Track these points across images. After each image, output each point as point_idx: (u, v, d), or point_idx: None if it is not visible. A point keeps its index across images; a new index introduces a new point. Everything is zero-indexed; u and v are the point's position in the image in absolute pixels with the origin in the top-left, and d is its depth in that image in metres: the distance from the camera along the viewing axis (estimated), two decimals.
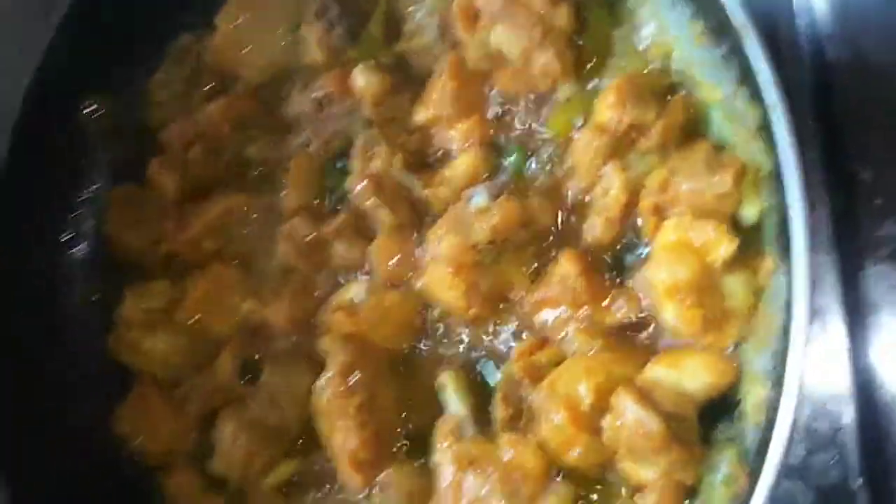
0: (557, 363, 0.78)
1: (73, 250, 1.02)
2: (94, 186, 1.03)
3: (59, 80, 0.96)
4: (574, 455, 0.74)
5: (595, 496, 0.77)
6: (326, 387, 0.84)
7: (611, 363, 0.75)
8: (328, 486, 0.89)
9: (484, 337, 0.84)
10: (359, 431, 0.82)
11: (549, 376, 0.76)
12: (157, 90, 1.02)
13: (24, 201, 0.96)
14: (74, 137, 1.01)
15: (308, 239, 0.92)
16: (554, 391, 0.75)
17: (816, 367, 0.81)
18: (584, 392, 0.73)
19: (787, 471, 0.81)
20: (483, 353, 0.84)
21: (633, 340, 0.77)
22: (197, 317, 0.95)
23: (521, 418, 0.78)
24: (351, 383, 0.84)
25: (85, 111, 1.01)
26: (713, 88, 0.74)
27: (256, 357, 0.94)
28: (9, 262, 0.95)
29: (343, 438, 0.83)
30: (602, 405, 0.73)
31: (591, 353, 0.76)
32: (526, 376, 0.78)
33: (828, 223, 0.73)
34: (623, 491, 0.76)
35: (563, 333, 0.78)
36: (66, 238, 1.02)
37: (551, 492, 0.76)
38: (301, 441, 0.91)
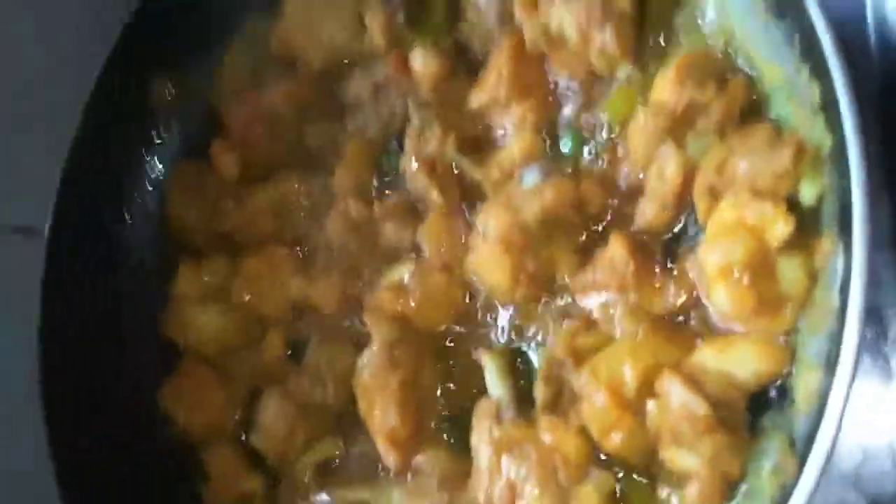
0: (602, 347, 0.76)
1: (135, 225, 1.06)
2: (160, 165, 1.07)
3: (134, 58, 1.00)
4: (616, 440, 0.71)
5: (634, 487, 0.74)
6: (369, 363, 0.85)
7: (657, 347, 0.72)
8: (366, 467, 0.89)
9: (528, 319, 0.83)
10: (399, 409, 0.83)
11: (593, 359, 0.74)
12: (225, 72, 1.05)
13: (93, 174, 1.00)
14: (144, 115, 1.05)
15: (359, 220, 0.92)
16: (597, 374, 0.73)
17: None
18: (629, 376, 0.71)
19: (840, 479, 0.78)
20: (527, 335, 0.83)
21: (681, 326, 0.74)
22: (248, 296, 0.96)
23: (561, 401, 0.76)
24: (393, 360, 0.84)
25: (156, 90, 1.05)
26: (775, 68, 0.72)
27: (300, 337, 0.95)
28: (72, 234, 0.98)
29: (383, 415, 0.83)
30: (646, 390, 0.71)
31: (638, 337, 0.74)
32: (569, 358, 0.76)
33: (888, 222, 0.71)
34: (665, 483, 0.73)
35: (609, 317, 0.76)
36: (129, 212, 1.06)
37: (590, 479, 0.74)
38: (342, 421, 0.91)
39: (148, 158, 1.05)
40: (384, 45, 0.95)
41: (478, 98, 0.89)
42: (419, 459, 0.84)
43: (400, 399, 0.82)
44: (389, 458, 0.83)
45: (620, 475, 0.74)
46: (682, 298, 0.74)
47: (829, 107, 0.65)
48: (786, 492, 0.61)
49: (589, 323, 0.78)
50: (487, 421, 0.80)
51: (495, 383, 0.82)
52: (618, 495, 0.74)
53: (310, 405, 0.91)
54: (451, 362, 0.86)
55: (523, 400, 0.81)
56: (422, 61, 0.91)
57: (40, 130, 1.00)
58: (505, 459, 0.76)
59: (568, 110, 0.86)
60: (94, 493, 0.92)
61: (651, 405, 0.70)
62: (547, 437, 0.75)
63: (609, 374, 0.72)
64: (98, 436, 0.95)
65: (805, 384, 0.65)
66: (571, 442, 0.74)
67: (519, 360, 0.83)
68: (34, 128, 1.01)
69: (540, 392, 0.77)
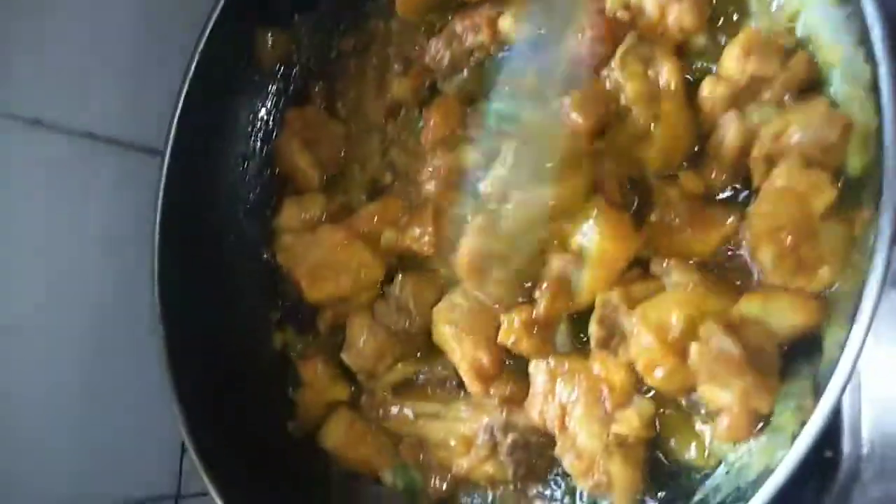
0: (653, 295, 0.83)
1: (243, 166, 1.17)
2: (267, 109, 1.17)
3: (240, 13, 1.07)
4: (658, 375, 0.79)
5: (672, 416, 0.83)
6: (460, 304, 0.94)
7: (703, 299, 0.80)
8: (436, 384, 1.00)
9: None
10: (489, 347, 0.91)
11: (644, 305, 0.82)
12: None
13: (201, 119, 1.09)
14: (250, 63, 1.13)
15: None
16: (646, 318, 0.80)
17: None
18: (675, 322, 0.79)
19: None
20: None
21: (727, 278, 0.82)
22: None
23: (612, 340, 0.84)
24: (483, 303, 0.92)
25: (258, 41, 1.13)
26: (834, 48, 0.77)
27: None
28: (180, 172, 1.07)
29: (473, 351, 0.92)
30: (689, 334, 0.78)
31: (687, 289, 0.81)
32: (622, 303, 0.83)
33: None
34: (698, 415, 0.82)
35: (663, 269, 0.84)
36: (238, 153, 1.17)
37: (634, 405, 0.83)
38: (419, 345, 1.02)
39: (257, 102, 1.15)
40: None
41: None
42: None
43: (492, 338, 0.91)
44: (473, 386, 0.92)
45: (663, 404, 0.83)
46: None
47: (875, 87, 0.71)
48: (803, 428, 0.69)
49: (643, 271, 0.86)
50: None
51: None
52: (657, 424, 0.84)
53: (397, 331, 1.01)
54: None
55: (579, 340, 0.90)
56: (509, 23, 0.97)
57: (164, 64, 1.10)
58: (559, 384, 0.86)
59: None
60: (198, 391, 1.04)
61: (693, 347, 0.78)
62: (597, 368, 0.84)
63: (657, 319, 0.80)
64: (207, 348, 1.08)
65: (834, 337, 0.73)
66: (618, 374, 0.83)
67: None
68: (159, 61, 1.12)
69: (594, 330, 0.85)
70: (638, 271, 0.86)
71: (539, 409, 0.87)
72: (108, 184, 1.11)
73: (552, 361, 0.87)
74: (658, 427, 0.84)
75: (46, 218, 1.04)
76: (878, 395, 0.87)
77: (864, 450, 0.88)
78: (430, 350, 1.00)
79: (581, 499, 0.91)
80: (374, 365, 1.02)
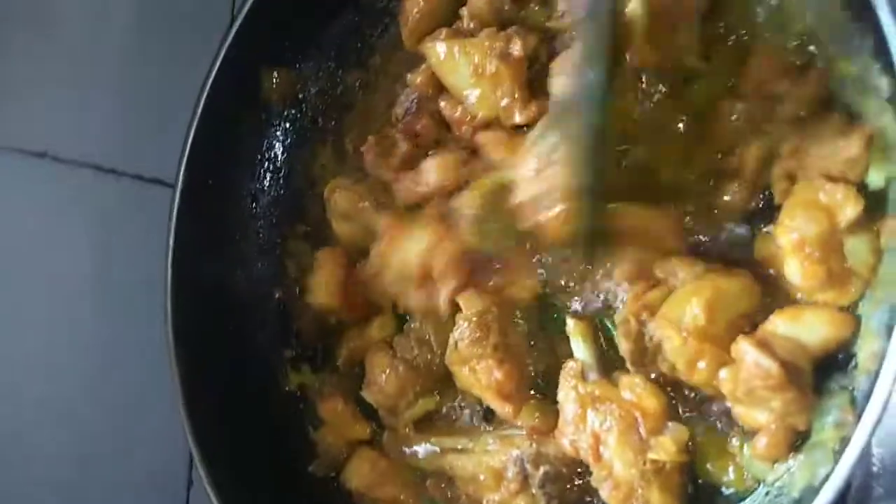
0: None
1: (252, 204, 1.15)
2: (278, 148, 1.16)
3: (246, 49, 1.06)
4: (702, 368, 0.79)
5: (709, 437, 0.83)
6: (461, 336, 0.92)
7: (715, 282, 0.80)
8: (460, 418, 0.99)
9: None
10: (499, 366, 0.90)
11: (662, 308, 0.82)
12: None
13: (211, 155, 1.07)
14: (258, 102, 1.12)
15: None
16: (669, 318, 0.81)
17: None
18: (697, 311, 0.78)
19: None
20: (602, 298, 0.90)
21: (732, 264, 0.83)
22: None
23: (646, 353, 0.83)
24: (483, 327, 0.92)
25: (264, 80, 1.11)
26: (848, 62, 0.78)
27: None
28: (190, 208, 1.05)
29: (486, 375, 0.91)
30: (715, 320, 0.78)
31: (697, 278, 0.81)
32: (641, 313, 0.84)
33: None
34: (736, 434, 0.82)
35: (669, 272, 0.84)
36: (248, 190, 1.15)
37: (668, 430, 0.82)
38: (440, 379, 1.00)
39: (266, 139, 1.14)
40: None
41: None
42: None
43: (498, 359, 0.90)
44: (505, 409, 0.91)
45: (697, 427, 0.83)
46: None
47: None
48: (845, 443, 0.69)
49: (655, 283, 0.85)
50: (574, 380, 0.88)
51: (580, 348, 0.89)
52: (690, 446, 0.83)
53: (417, 365, 0.99)
54: (536, 329, 0.94)
55: (606, 362, 0.89)
56: None
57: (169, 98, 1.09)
58: (590, 413, 0.85)
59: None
60: (215, 433, 1.01)
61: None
62: (627, 395, 0.84)
63: (679, 315, 0.80)
64: (221, 389, 1.06)
65: (868, 349, 0.73)
66: (650, 399, 0.82)
67: (601, 324, 0.91)
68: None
69: (623, 346, 0.84)
70: (646, 283, 0.86)
71: (571, 438, 0.86)
72: (116, 214, 1.11)
73: (582, 389, 0.86)
74: (694, 451, 0.83)
75: (54, 250, 1.04)
76: (887, 412, 0.87)
77: (875, 467, 0.87)
78: (452, 383, 0.98)
79: None
80: (396, 401, 1.00)
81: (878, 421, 0.66)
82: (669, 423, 0.82)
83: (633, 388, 0.84)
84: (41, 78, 1.02)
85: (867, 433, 0.66)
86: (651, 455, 0.81)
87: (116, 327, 1.10)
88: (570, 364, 0.90)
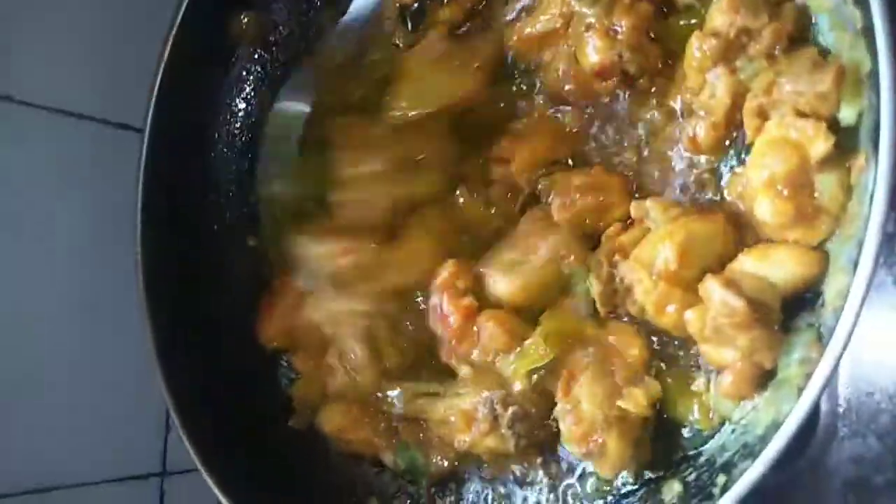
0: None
1: (224, 149, 1.14)
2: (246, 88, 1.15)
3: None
4: (671, 312, 0.79)
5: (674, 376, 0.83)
6: None
7: (688, 225, 0.79)
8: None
9: None
10: None
11: (635, 249, 0.82)
12: None
13: (180, 98, 1.06)
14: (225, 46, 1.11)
15: None
16: (641, 259, 0.81)
17: None
18: (670, 253, 0.78)
19: None
20: None
21: (708, 206, 0.83)
22: None
23: (617, 294, 0.84)
24: None
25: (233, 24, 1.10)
26: None
27: None
28: (160, 150, 1.04)
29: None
30: (687, 263, 0.78)
31: (672, 222, 0.81)
32: (614, 254, 0.84)
33: None
34: (702, 371, 0.82)
35: (640, 209, 0.84)
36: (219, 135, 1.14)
37: (643, 384, 0.83)
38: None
39: (236, 85, 1.13)
40: None
41: None
42: None
43: None
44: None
45: (664, 366, 0.83)
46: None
47: (868, 31, 0.70)
48: (809, 379, 0.68)
49: (630, 223, 0.86)
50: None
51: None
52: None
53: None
54: None
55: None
56: None
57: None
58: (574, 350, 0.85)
59: None
60: (190, 382, 1.02)
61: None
62: (612, 339, 0.85)
63: (651, 256, 0.79)
64: (196, 337, 1.06)
65: (835, 286, 0.72)
66: (634, 348, 0.84)
67: None
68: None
69: (594, 286, 0.85)
70: (620, 225, 0.86)
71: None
72: (85, 160, 1.09)
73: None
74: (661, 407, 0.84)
75: (25, 194, 1.02)
76: (853, 353, 0.89)
77: (841, 407, 0.89)
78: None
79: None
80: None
81: (841, 354, 0.65)
82: (645, 377, 0.83)
83: (620, 334, 0.84)
84: (5, 21, 0.99)
85: (830, 366, 0.66)
86: (620, 402, 0.82)
87: (86, 274, 1.09)
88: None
